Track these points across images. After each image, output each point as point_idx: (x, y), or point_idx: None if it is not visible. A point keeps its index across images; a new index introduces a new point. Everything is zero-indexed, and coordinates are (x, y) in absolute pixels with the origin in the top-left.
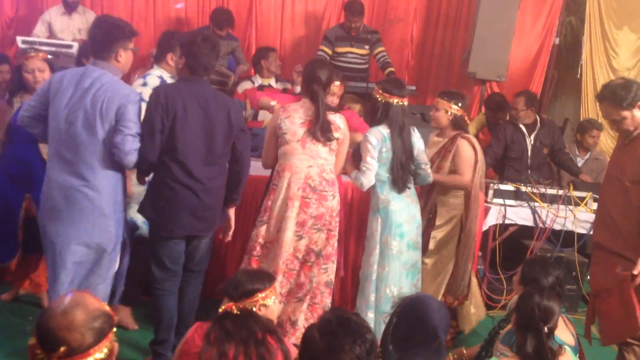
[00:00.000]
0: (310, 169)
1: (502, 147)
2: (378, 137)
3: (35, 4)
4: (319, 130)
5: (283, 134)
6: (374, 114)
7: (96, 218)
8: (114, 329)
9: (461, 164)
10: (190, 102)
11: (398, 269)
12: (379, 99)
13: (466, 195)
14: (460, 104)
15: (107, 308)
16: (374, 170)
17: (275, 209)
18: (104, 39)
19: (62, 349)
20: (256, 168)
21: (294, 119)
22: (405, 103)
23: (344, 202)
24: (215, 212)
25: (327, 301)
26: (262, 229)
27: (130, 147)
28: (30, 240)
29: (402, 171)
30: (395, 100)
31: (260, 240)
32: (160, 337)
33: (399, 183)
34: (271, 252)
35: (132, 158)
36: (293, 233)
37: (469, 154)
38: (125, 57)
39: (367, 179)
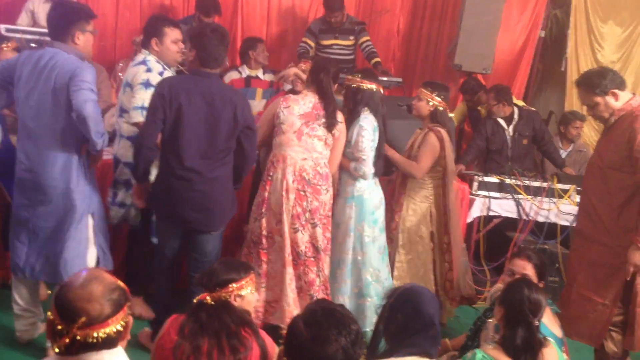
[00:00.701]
0: (305, 161)
1: (484, 140)
2: (371, 126)
3: None
4: (329, 117)
5: (280, 124)
6: (356, 102)
7: (60, 195)
8: (129, 303)
9: (420, 153)
10: (195, 97)
11: (374, 254)
12: (362, 87)
13: (440, 187)
14: (442, 96)
15: (122, 283)
16: (372, 157)
17: (273, 200)
18: (60, 21)
19: (82, 319)
20: None
21: (293, 109)
22: (382, 90)
23: None
24: (218, 206)
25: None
26: (264, 221)
27: (86, 97)
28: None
29: (382, 159)
30: (374, 87)
31: (264, 232)
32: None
33: (379, 170)
34: (276, 244)
35: (90, 108)
36: (289, 226)
37: (433, 148)
38: (83, 39)
39: (368, 167)
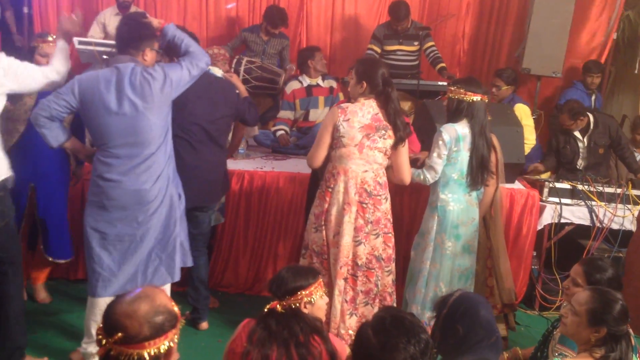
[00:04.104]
0: (366, 173)
1: (555, 153)
2: (452, 135)
3: (91, 6)
4: (402, 133)
5: (340, 137)
6: (454, 112)
7: (165, 198)
8: (176, 330)
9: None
10: None
11: (450, 269)
12: (463, 98)
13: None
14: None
15: (176, 309)
16: (440, 167)
17: (333, 213)
18: (133, 36)
19: (118, 334)
20: (298, 165)
21: (353, 122)
22: (486, 100)
23: (394, 198)
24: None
25: (394, 298)
26: (324, 232)
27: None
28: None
29: (481, 169)
30: (478, 98)
31: (325, 242)
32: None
33: (477, 180)
34: (331, 255)
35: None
36: (352, 238)
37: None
38: (150, 57)
39: (432, 175)
